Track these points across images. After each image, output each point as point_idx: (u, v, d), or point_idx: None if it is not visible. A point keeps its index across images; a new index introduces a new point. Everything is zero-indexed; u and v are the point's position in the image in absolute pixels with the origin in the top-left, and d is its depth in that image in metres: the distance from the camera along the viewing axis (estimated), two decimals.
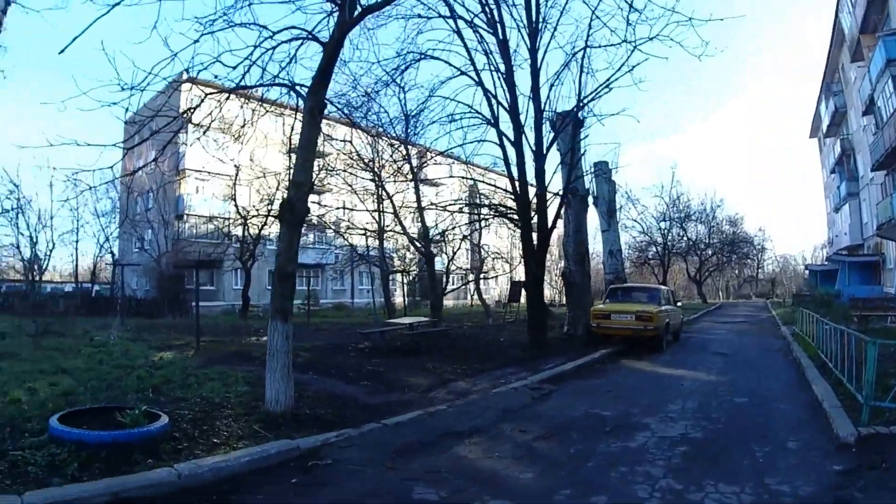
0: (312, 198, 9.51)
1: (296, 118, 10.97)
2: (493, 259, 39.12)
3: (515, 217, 17.95)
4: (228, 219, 38.87)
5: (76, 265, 48.06)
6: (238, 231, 37.12)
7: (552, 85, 17.13)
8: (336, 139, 26.29)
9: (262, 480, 6.21)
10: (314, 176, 9.62)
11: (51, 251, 42.94)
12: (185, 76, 10.43)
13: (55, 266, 50.02)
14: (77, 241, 45.09)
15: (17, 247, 41.60)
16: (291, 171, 10.16)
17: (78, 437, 6.36)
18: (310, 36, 9.66)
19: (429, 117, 20.57)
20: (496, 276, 45.42)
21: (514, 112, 16.62)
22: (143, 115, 9.56)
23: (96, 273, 47.77)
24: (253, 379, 10.90)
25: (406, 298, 37.53)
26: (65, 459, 6.03)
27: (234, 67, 9.41)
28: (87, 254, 54.53)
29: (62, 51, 7.97)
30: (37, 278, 42.95)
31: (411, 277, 43.76)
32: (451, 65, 17.27)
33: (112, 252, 46.11)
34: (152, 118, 9.44)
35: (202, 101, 9.85)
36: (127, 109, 9.06)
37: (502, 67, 16.61)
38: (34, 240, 41.18)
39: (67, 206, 46.89)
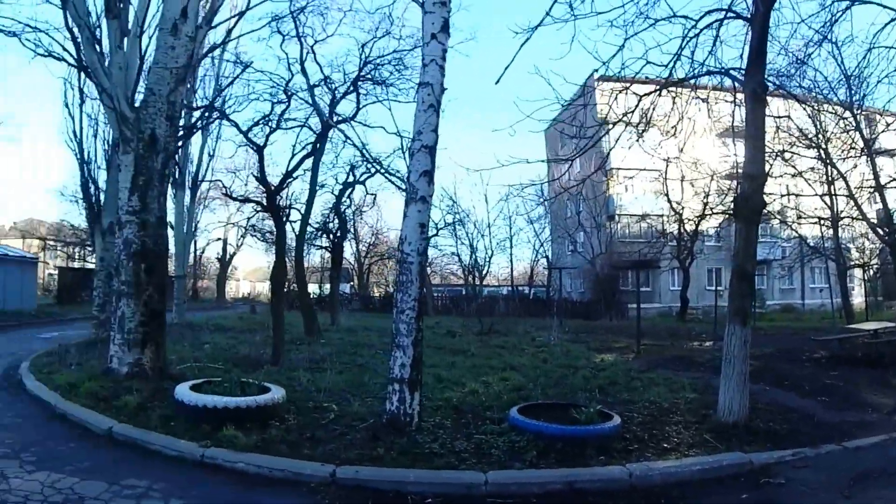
0: None
1: (735, 104, 10.85)
2: None
3: None
4: (662, 216, 39.15)
5: (511, 269, 52.28)
6: (673, 228, 37.25)
7: None
8: (771, 115, 25.01)
9: (710, 490, 6.32)
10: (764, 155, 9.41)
11: (489, 257, 47.21)
12: (604, 79, 10.95)
13: (492, 271, 54.76)
14: (511, 247, 48.99)
15: (458, 255, 46.61)
16: (742, 162, 10.01)
17: (536, 428, 7.21)
18: (730, 13, 9.44)
19: (874, 74, 18.51)
20: None
21: None
22: (566, 121, 10.28)
23: (533, 276, 51.51)
24: (700, 386, 11.06)
25: (866, 298, 34.37)
26: (523, 447, 6.95)
27: (667, 65, 9.61)
28: (521, 259, 59.23)
29: (497, 81, 9.07)
30: (477, 282, 47.45)
31: (872, 272, 39.56)
32: (885, 7, 15.19)
33: (546, 256, 49.33)
34: (599, 125, 10.05)
35: (638, 102, 10.13)
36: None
37: None
38: (473, 247, 45.70)
39: (502, 215, 51.42)
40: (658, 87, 10.05)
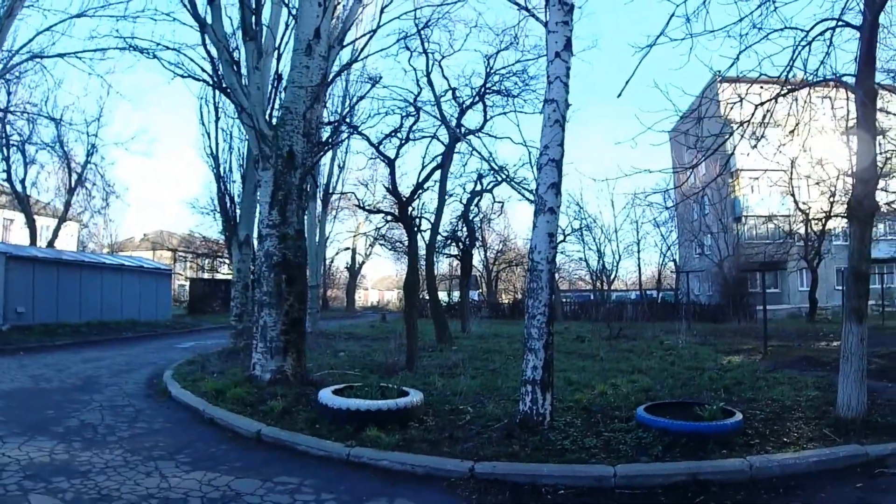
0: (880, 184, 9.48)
1: (847, 106, 10.88)
2: None
3: None
4: (789, 216, 38.45)
5: (639, 273, 52.19)
6: (800, 228, 36.60)
7: None
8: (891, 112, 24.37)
9: (826, 482, 6.55)
10: (876, 158, 9.43)
11: (617, 262, 47.31)
12: (726, 80, 11.15)
13: (620, 275, 54.66)
14: (639, 251, 48.96)
15: (585, 260, 46.85)
16: (854, 167, 10.11)
17: (662, 425, 7.65)
18: (840, 22, 9.45)
19: None
20: None
21: None
22: (687, 127, 10.54)
23: (660, 280, 51.24)
24: (823, 384, 11.15)
25: None
26: (650, 442, 7.43)
27: (782, 78, 9.72)
28: (649, 263, 58.98)
29: (619, 94, 9.48)
30: (605, 287, 47.46)
31: None
32: None
33: (674, 259, 49.04)
34: (718, 134, 10.26)
35: (753, 113, 10.19)
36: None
37: None
38: (600, 253, 45.81)
39: (629, 220, 51.50)
40: (773, 97, 10.11)
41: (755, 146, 11.08)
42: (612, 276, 48.97)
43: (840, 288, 35.03)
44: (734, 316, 35.33)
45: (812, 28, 9.52)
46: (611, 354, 17.13)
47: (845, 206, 27.59)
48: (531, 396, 8.23)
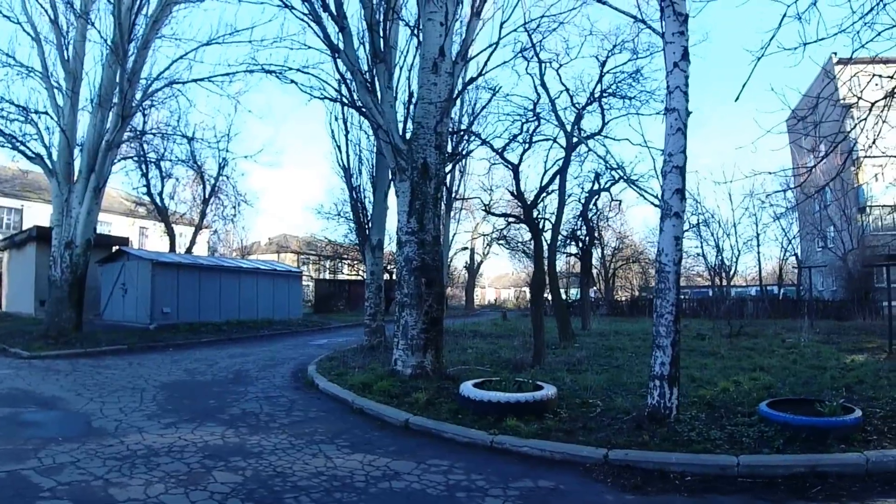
0: None
1: None
2: None
3: None
4: None
5: (759, 268, 51.12)
6: None
7: None
8: None
9: None
10: None
11: (736, 257, 46.57)
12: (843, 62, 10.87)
13: (739, 271, 53.66)
14: (759, 246, 48.05)
15: (703, 255, 46.33)
16: None
17: (783, 420, 8.10)
18: None
19: None
20: None
21: None
22: (805, 116, 10.49)
23: (781, 275, 50.15)
24: None
25: None
26: (771, 436, 7.88)
27: None
28: (769, 257, 57.27)
29: (737, 98, 9.72)
30: (724, 283, 46.79)
31: None
32: None
33: (795, 253, 47.95)
34: (839, 129, 10.20)
35: (870, 108, 10.12)
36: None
37: None
38: (719, 248, 45.24)
39: (747, 213, 50.51)
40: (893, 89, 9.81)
41: (875, 141, 10.37)
42: (732, 272, 48.21)
43: None
44: (859, 313, 34.46)
45: None
46: (732, 352, 17.32)
47: None
48: (659, 391, 8.80)
